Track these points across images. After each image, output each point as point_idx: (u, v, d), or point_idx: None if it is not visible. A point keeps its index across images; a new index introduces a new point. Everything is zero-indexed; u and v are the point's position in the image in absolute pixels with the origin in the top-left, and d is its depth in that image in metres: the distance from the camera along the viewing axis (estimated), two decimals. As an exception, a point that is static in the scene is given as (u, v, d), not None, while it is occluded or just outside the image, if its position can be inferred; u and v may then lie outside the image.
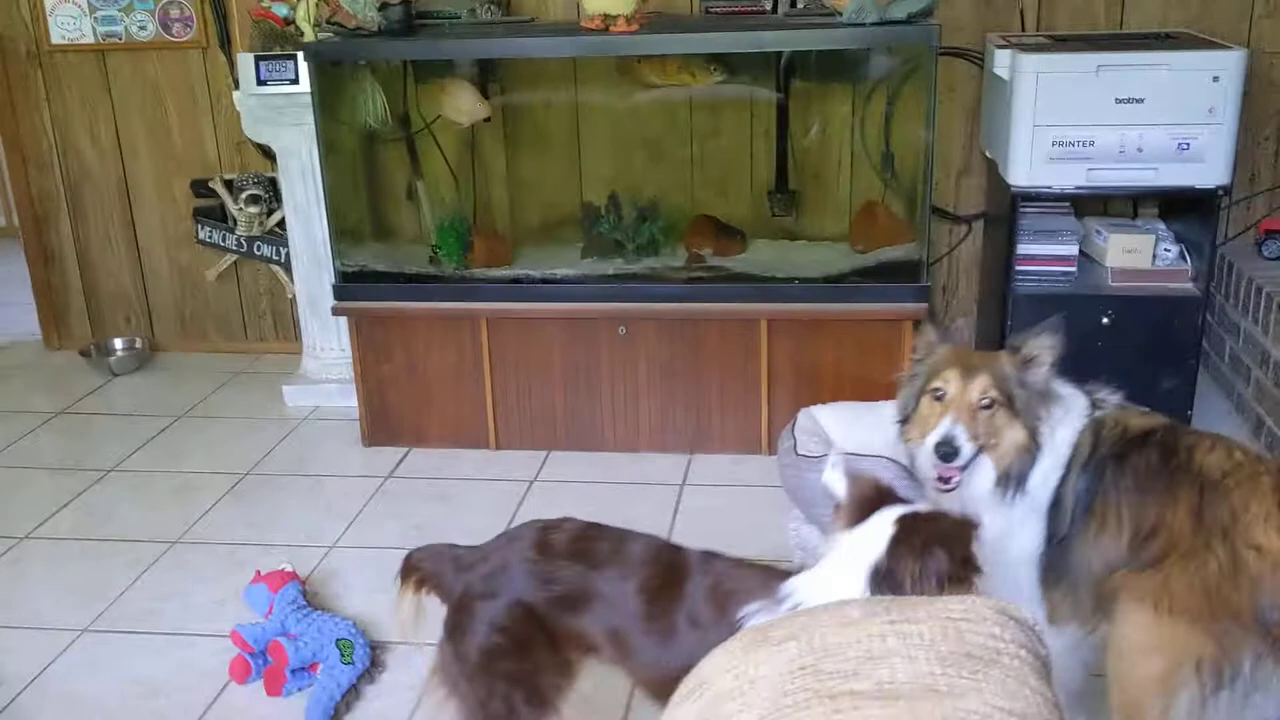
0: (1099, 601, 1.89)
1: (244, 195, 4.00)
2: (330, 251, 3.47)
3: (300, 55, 3.42)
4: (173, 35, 3.99)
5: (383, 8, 3.27)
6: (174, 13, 3.96)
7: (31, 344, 4.49)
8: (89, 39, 4.03)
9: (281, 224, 3.95)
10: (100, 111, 4.13)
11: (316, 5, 3.45)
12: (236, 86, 3.70)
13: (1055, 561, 1.95)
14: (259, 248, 4.10)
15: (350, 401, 3.60)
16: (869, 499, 1.58)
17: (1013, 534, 1.96)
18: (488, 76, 3.60)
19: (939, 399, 1.95)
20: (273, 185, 3.97)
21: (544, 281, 3.36)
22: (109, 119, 4.13)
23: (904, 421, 2.06)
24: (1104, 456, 1.92)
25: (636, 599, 1.71)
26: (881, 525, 1.52)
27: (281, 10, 3.57)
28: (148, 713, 2.34)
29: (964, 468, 1.92)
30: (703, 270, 3.40)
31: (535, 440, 3.42)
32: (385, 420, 3.48)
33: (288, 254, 3.91)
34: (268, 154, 3.91)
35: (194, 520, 3.11)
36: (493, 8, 3.58)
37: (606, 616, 1.74)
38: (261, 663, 2.42)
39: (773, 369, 3.25)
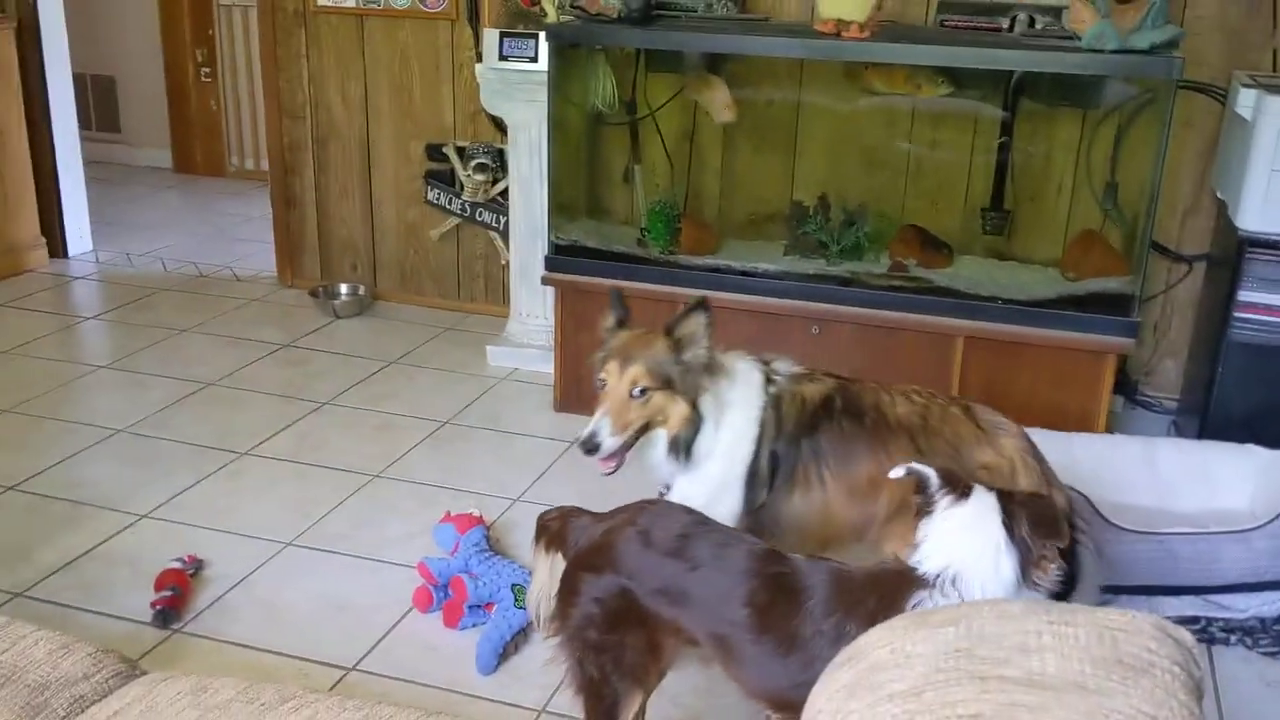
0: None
1: (473, 163, 4.23)
2: (546, 224, 3.63)
3: (541, 35, 3.59)
4: (426, 6, 4.24)
5: (625, -5, 3.40)
6: (429, -15, 4.22)
7: (267, 280, 4.86)
8: (350, 3, 4.33)
9: (504, 194, 4.15)
10: (352, 71, 4.43)
11: (563, -9, 3.62)
12: (479, 59, 3.92)
13: (765, 523, 2.20)
14: (481, 214, 4.32)
15: (547, 367, 3.77)
16: (955, 478, 1.72)
17: (718, 499, 2.17)
18: (716, 71, 3.70)
19: (601, 389, 2.15)
20: (500, 156, 4.18)
21: (744, 274, 3.43)
22: (359, 79, 4.43)
23: None
24: (793, 432, 2.19)
25: (744, 610, 1.71)
26: (985, 497, 1.67)
27: (529, -9, 3.75)
28: (336, 624, 2.55)
29: (617, 456, 2.13)
30: (904, 279, 3.41)
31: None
32: (577, 389, 3.63)
33: (507, 223, 4.12)
34: (500, 126, 4.11)
35: (395, 458, 3.33)
36: (729, 4, 3.67)
37: (708, 620, 1.75)
38: (442, 595, 2.60)
39: (964, 386, 3.24)
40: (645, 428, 2.15)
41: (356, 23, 4.37)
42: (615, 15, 3.42)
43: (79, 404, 3.67)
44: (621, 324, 2.20)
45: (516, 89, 3.77)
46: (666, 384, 2.12)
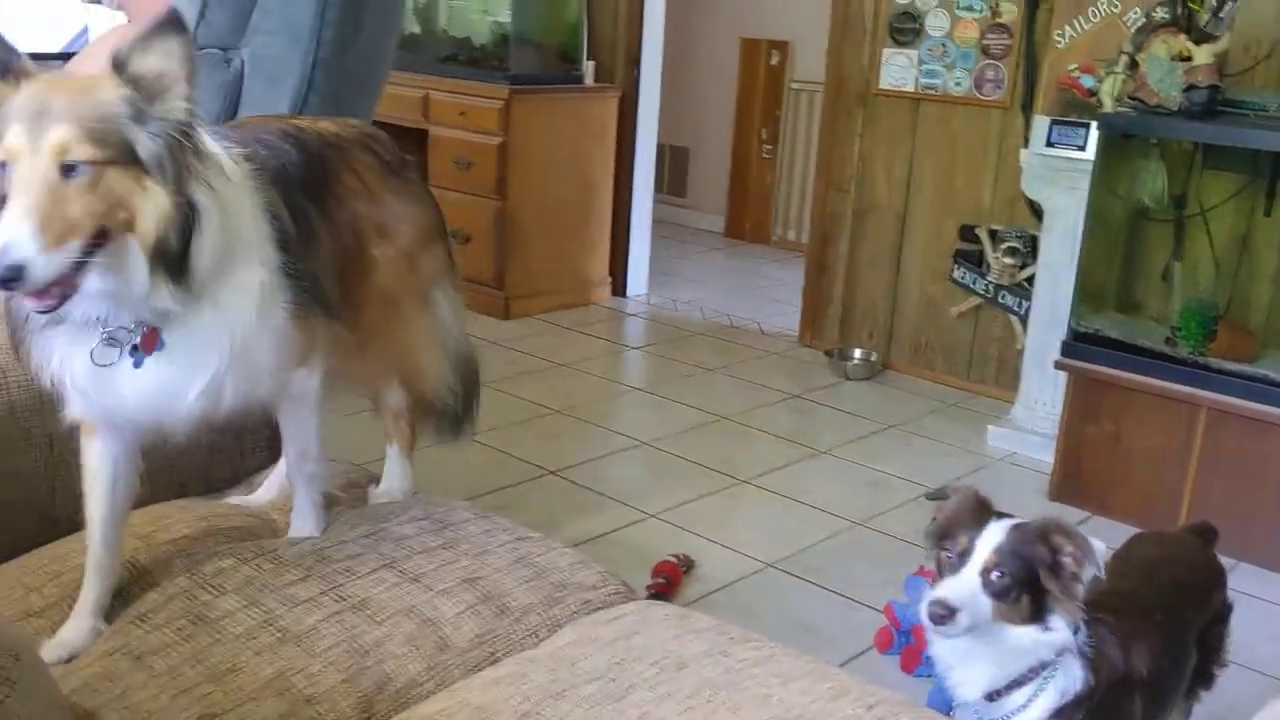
0: None
1: (1004, 246, 4.28)
2: (1070, 310, 3.60)
3: (1092, 124, 3.59)
4: (982, 94, 4.38)
5: (1189, 89, 3.32)
6: (989, 74, 4.35)
7: (788, 338, 5.21)
8: (909, 88, 4.58)
9: (1030, 279, 4.16)
10: (900, 151, 4.66)
11: (1123, 81, 3.59)
12: (1025, 145, 3.98)
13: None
14: (1004, 297, 4.35)
15: (1047, 456, 3.71)
16: (975, 509, 1.64)
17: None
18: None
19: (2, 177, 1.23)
20: (1032, 242, 4.19)
21: (1286, 387, 3.18)
22: (905, 159, 4.66)
23: None
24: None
25: None
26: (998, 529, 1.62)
27: (1088, 82, 3.77)
28: (800, 643, 2.68)
29: (57, 288, 1.22)
30: None
31: (1221, 544, 3.24)
32: (1076, 480, 3.54)
33: (1028, 308, 4.12)
34: (1036, 212, 4.13)
35: (879, 511, 3.46)
36: (1308, 104, 3.44)
37: None
38: (904, 640, 2.67)
39: None
40: (102, 236, 1.25)
41: (912, 105, 4.60)
42: (1175, 108, 3.34)
43: (615, 415, 4.20)
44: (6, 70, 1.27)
45: (1059, 175, 3.79)
46: (123, 156, 1.25)
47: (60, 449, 1.69)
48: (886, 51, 4.63)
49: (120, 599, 1.51)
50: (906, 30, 4.55)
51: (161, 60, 1.27)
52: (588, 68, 5.46)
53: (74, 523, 1.55)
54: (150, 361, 1.36)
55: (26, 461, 1.69)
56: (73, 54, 2.35)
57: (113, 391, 1.38)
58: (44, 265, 1.18)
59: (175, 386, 1.40)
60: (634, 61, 5.48)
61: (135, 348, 1.35)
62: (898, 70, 4.61)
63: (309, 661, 1.42)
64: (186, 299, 1.32)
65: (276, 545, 1.64)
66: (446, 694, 1.39)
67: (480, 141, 5.14)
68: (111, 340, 1.34)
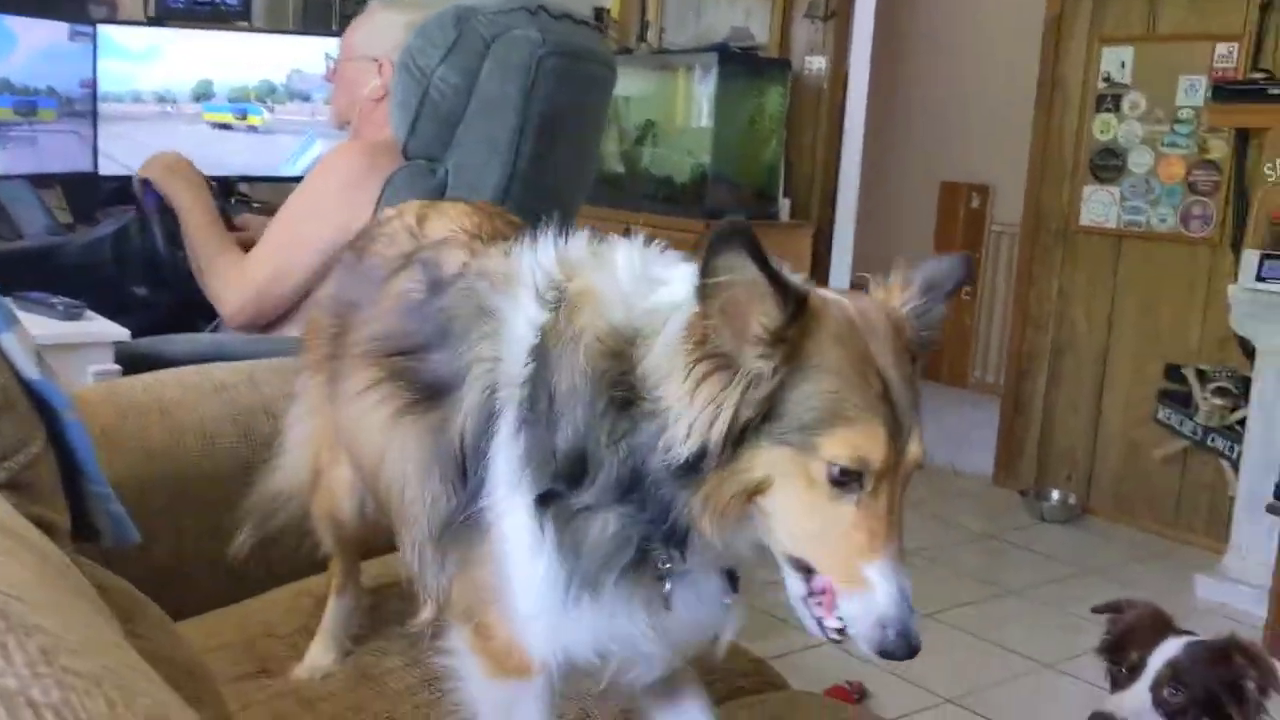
0: None
1: (1213, 386, 4.08)
2: (1283, 452, 3.39)
3: (1308, 257, 3.43)
4: (1189, 230, 4.25)
5: None
6: (1196, 210, 4.23)
7: (980, 478, 5.05)
8: (1111, 224, 4.49)
9: (1242, 422, 3.93)
10: (1100, 288, 4.55)
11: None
12: (1234, 280, 3.82)
13: None
14: (1213, 439, 4.12)
15: (1260, 610, 3.45)
16: (1154, 623, 1.54)
17: None
18: None
19: None
20: (1244, 383, 3.98)
21: None
22: (1106, 296, 4.53)
23: None
24: None
25: None
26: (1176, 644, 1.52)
27: (1302, 218, 3.62)
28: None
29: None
30: None
31: None
32: (1294, 638, 3.27)
33: (1239, 452, 3.88)
34: (1247, 351, 3.93)
35: (1071, 655, 3.27)
36: None
37: None
38: (1088, 786, 2.50)
39: None
40: None
41: (1114, 242, 4.50)
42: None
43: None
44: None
45: (1271, 311, 3.61)
46: None
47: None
48: (1087, 189, 4.56)
49: (291, 654, 1.60)
50: (1109, 167, 4.49)
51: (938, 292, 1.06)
52: (783, 204, 5.59)
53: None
54: None
55: (228, 521, 1.82)
56: (298, 178, 2.55)
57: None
58: None
59: None
60: (829, 199, 5.58)
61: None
62: (1099, 206, 4.53)
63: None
64: None
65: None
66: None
67: (676, 273, 5.30)
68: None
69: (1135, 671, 1.52)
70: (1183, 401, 4.23)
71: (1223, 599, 3.71)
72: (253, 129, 3.33)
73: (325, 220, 2.26)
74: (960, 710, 2.92)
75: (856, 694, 2.93)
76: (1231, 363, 4.10)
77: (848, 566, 0.95)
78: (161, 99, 3.15)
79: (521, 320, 1.06)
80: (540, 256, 1.09)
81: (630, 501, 0.97)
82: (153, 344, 2.18)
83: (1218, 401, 4.07)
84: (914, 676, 3.08)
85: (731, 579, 1.08)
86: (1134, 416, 4.46)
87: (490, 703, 1.16)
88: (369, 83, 2.50)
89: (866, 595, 0.95)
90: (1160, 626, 1.58)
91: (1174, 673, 1.50)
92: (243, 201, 3.36)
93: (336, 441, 1.38)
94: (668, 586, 1.02)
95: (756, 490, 0.94)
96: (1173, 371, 4.28)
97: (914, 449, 0.98)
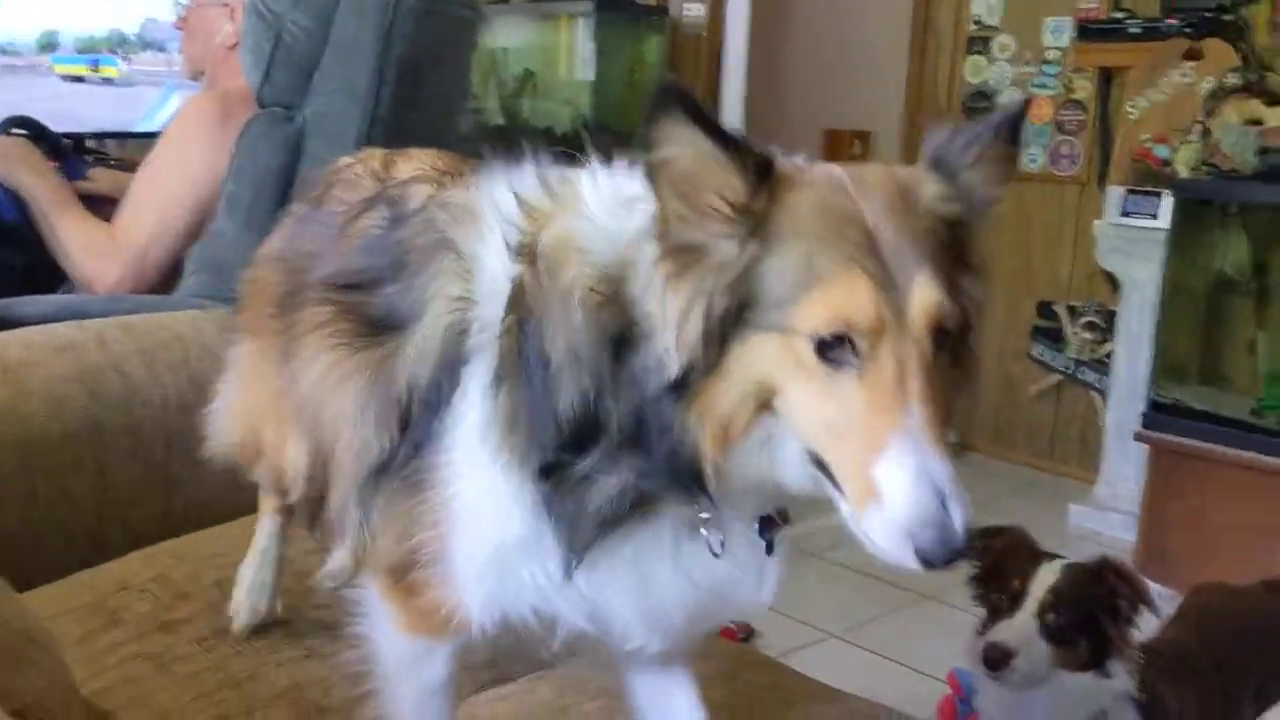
0: None
1: (1082, 321, 4.21)
2: (1149, 381, 3.51)
3: (1165, 193, 3.54)
4: (1057, 169, 4.35)
5: (1263, 152, 3.27)
6: (1064, 150, 4.33)
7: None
8: (985, 166, 4.57)
9: (1110, 355, 4.07)
10: (977, 229, 4.63)
11: (1197, 149, 3.55)
12: (1099, 217, 3.93)
13: None
14: (1084, 372, 4.26)
15: (1130, 535, 3.59)
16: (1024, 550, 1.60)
17: None
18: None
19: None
20: (1110, 317, 4.11)
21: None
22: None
23: None
24: None
25: None
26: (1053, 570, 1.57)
27: (1162, 152, 3.73)
28: (859, 711, 2.64)
29: None
30: None
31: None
32: (1161, 559, 3.40)
33: (1109, 384, 4.02)
34: (1114, 286, 4.06)
35: (951, 585, 3.36)
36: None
37: None
38: (966, 709, 2.57)
39: None
40: None
41: (987, 184, 4.58)
42: (1250, 172, 3.29)
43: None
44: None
45: (1135, 246, 3.73)
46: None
47: (111, 476, 1.76)
48: (962, 128, 4.63)
49: (150, 610, 1.55)
50: (981, 109, 4.56)
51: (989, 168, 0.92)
52: (667, 155, 5.58)
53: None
54: None
55: (79, 484, 1.76)
56: (155, 134, 2.45)
57: None
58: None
59: None
60: (712, 148, 5.58)
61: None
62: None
63: (327, 674, 1.44)
64: None
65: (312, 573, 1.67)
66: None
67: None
68: None
69: (1018, 599, 1.56)
70: (1055, 337, 4.36)
71: (1095, 526, 3.85)
72: (108, 81, 3.18)
73: (192, 176, 2.19)
74: (845, 645, 2.99)
75: (743, 634, 2.95)
76: (1099, 298, 4.23)
77: (856, 466, 0.81)
78: (3, 51, 2.99)
79: (496, 263, 0.96)
80: (499, 197, 0.99)
81: (636, 452, 0.87)
82: (7, 306, 2.08)
83: (1087, 336, 4.20)
84: (799, 613, 3.13)
85: (768, 543, 1.01)
86: (1009, 353, 4.58)
87: (397, 657, 1.11)
88: (221, 29, 2.41)
89: (879, 503, 0.80)
90: (1031, 553, 1.62)
91: (1056, 598, 1.54)
92: (99, 156, 3.22)
93: (286, 416, 1.21)
94: (707, 535, 0.94)
95: (759, 394, 0.82)
96: (1045, 308, 4.40)
97: (921, 297, 0.80)
